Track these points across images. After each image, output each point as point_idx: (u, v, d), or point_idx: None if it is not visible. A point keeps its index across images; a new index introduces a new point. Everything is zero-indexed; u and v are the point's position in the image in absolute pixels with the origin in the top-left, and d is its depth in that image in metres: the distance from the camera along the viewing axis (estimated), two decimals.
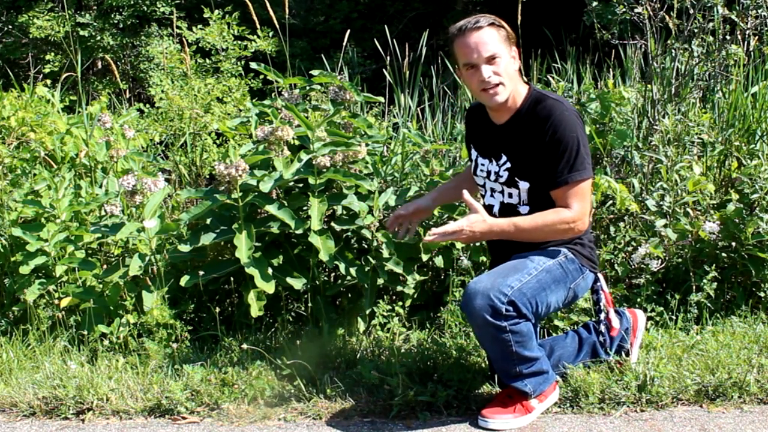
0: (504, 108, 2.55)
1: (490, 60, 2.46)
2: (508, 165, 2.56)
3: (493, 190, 2.65)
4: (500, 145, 2.59)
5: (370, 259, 3.12)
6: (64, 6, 10.50)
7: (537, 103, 2.51)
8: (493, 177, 2.61)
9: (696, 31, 3.70)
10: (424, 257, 3.22)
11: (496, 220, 2.47)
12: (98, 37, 10.52)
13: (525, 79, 2.63)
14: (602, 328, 2.75)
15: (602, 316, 2.74)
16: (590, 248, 2.64)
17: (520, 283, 2.41)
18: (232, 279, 3.14)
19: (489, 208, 2.67)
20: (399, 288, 3.22)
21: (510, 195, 2.60)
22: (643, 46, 3.86)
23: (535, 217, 2.48)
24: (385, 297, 3.16)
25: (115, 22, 10.73)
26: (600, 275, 2.73)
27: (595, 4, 3.92)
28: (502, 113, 2.58)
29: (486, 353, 2.73)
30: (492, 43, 2.45)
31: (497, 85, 2.47)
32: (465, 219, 2.43)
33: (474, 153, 2.72)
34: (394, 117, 5.11)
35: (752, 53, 4.24)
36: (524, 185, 2.54)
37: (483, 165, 2.66)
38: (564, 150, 2.42)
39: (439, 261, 3.28)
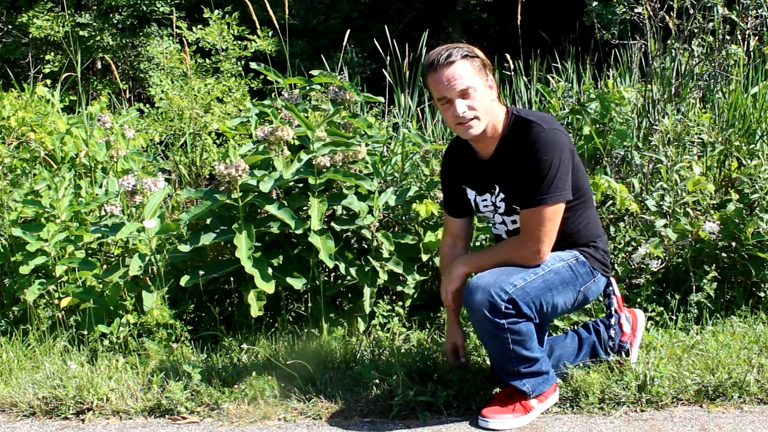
0: (485, 139, 2.52)
1: (464, 94, 2.41)
2: (502, 195, 2.54)
3: (495, 223, 2.64)
4: (492, 178, 2.56)
5: (370, 259, 3.12)
6: (63, 6, 10.51)
7: (517, 126, 2.47)
8: (497, 209, 2.60)
9: (696, 31, 3.70)
10: (424, 257, 3.22)
11: (451, 267, 2.61)
12: (98, 37, 10.53)
13: (504, 103, 2.59)
14: (612, 333, 2.74)
15: (613, 320, 2.73)
16: (603, 252, 2.61)
17: (524, 282, 2.40)
18: (232, 279, 3.14)
19: (498, 238, 2.68)
20: (399, 288, 3.22)
21: (514, 222, 2.57)
22: (643, 46, 3.86)
23: (479, 258, 2.57)
24: (385, 297, 3.16)
25: (115, 22, 10.73)
26: (612, 279, 2.71)
27: (595, 4, 3.92)
28: (487, 144, 2.54)
29: (486, 350, 2.73)
30: (465, 77, 2.40)
31: (473, 118, 2.44)
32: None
33: (471, 193, 2.66)
34: (394, 117, 5.12)
35: (752, 53, 4.24)
36: None
37: (485, 200, 2.63)
38: (534, 172, 2.39)
39: (439, 261, 3.28)
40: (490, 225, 2.71)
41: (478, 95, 2.42)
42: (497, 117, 2.50)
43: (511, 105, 2.57)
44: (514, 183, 2.48)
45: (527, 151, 2.41)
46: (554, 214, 2.42)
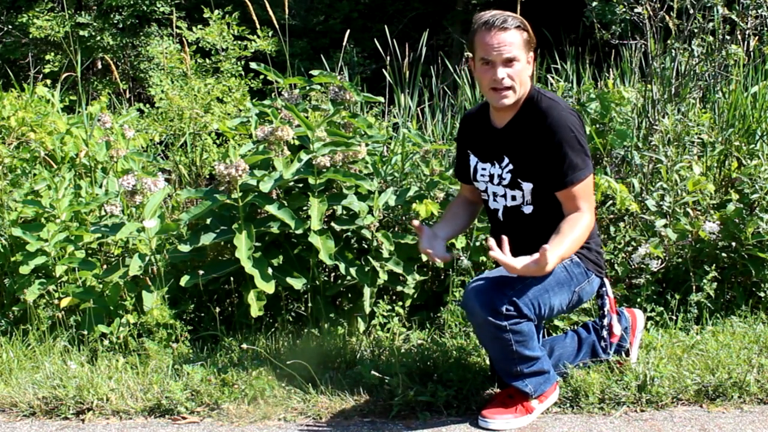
0: (508, 108, 2.54)
1: (508, 62, 2.44)
2: (511, 167, 2.55)
3: (495, 194, 2.63)
4: (501, 148, 2.57)
5: (370, 259, 3.12)
6: (63, 6, 10.51)
7: (535, 103, 2.50)
8: (496, 180, 2.59)
9: (696, 31, 3.70)
10: (424, 257, 3.21)
11: (551, 262, 2.26)
12: (98, 37, 10.52)
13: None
14: (604, 333, 2.74)
15: (605, 321, 2.73)
16: (597, 252, 2.62)
17: (522, 283, 2.41)
18: (232, 279, 3.14)
19: (494, 212, 2.67)
20: (399, 288, 3.22)
21: (513, 197, 2.58)
22: (643, 46, 3.86)
23: (569, 240, 2.37)
24: (385, 297, 3.16)
25: (115, 22, 10.73)
26: (606, 280, 2.71)
27: (595, 3, 3.92)
28: (505, 114, 2.56)
29: (487, 352, 2.73)
30: (514, 47, 2.43)
31: (508, 88, 2.46)
32: (532, 262, 2.28)
33: (474, 159, 2.68)
34: (394, 117, 5.11)
35: (752, 53, 4.24)
36: (528, 186, 2.52)
37: (484, 170, 2.64)
38: (565, 151, 2.42)
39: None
40: (485, 200, 2.68)
41: (519, 67, 2.45)
42: (526, 92, 2.53)
43: (533, 84, 2.59)
44: (529, 157, 2.50)
45: (547, 130, 2.44)
46: (588, 186, 2.47)
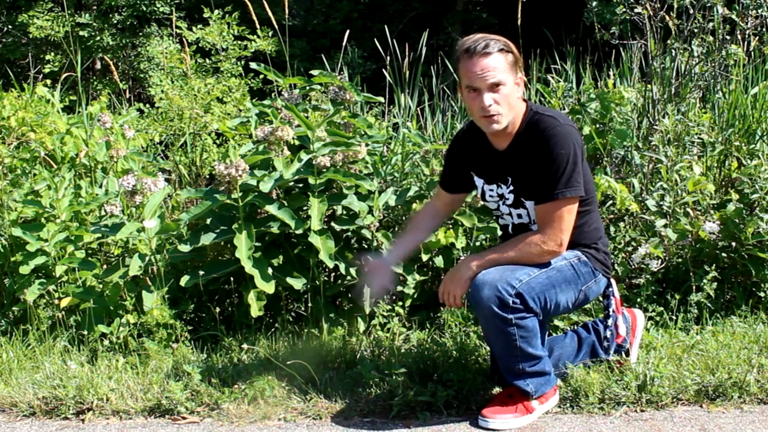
0: (504, 133, 2.53)
1: (494, 87, 2.42)
2: (512, 187, 2.56)
3: (503, 213, 2.65)
4: (505, 170, 2.57)
5: None
6: (63, 6, 10.51)
7: (533, 122, 2.49)
8: (504, 200, 2.62)
9: (696, 31, 3.70)
10: (424, 257, 3.22)
11: (459, 268, 2.53)
12: (98, 37, 10.52)
13: (524, 98, 2.60)
14: (608, 333, 2.74)
15: (610, 322, 2.73)
16: (604, 253, 2.63)
17: (529, 277, 2.41)
18: (232, 279, 3.14)
19: (504, 228, 2.69)
20: (399, 288, 3.22)
21: (519, 215, 2.60)
22: (643, 46, 3.86)
23: (504, 258, 2.48)
24: (385, 297, 3.16)
25: (115, 22, 10.73)
26: (612, 280, 2.72)
27: (595, 3, 3.92)
28: (502, 138, 2.55)
29: (490, 350, 2.73)
30: (498, 71, 2.41)
31: (497, 114, 2.45)
32: (442, 284, 2.57)
33: (479, 181, 2.68)
34: (394, 117, 5.11)
35: (752, 53, 4.24)
36: (530, 204, 2.54)
37: (492, 191, 2.64)
38: (551, 167, 2.42)
39: (439, 261, 3.28)
40: (496, 216, 2.71)
41: (505, 90, 2.43)
42: (519, 112, 2.52)
43: (530, 101, 2.57)
44: (528, 176, 2.50)
45: (542, 145, 2.43)
46: (572, 208, 2.45)
